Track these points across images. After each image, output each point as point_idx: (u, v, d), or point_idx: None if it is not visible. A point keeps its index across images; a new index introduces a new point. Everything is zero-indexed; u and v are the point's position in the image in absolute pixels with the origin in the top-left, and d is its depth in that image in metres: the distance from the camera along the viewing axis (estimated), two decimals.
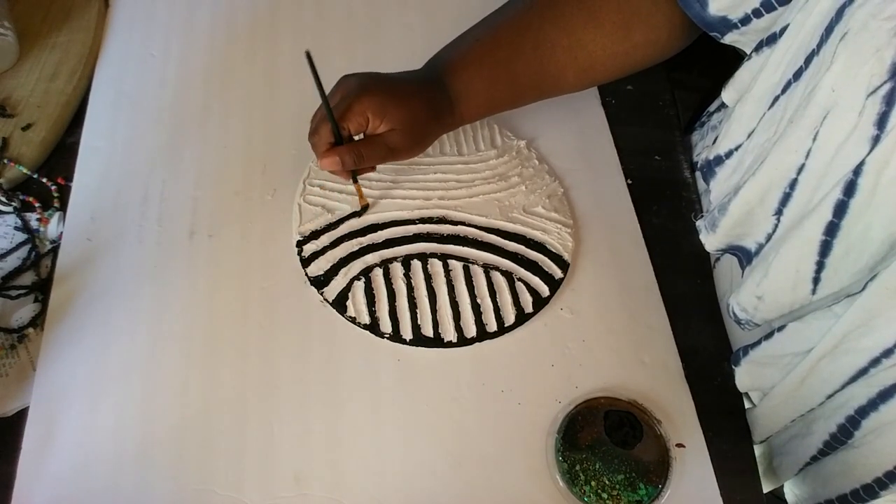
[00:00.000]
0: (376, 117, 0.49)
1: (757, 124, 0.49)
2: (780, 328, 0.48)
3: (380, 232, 0.58)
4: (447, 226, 0.58)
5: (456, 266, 0.57)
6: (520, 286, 0.56)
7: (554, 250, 0.58)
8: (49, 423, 0.48)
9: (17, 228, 0.56)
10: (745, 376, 0.53)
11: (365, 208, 0.58)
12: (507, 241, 0.58)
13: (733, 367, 0.54)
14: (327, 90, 0.49)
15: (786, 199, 0.45)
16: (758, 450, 0.55)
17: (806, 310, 0.47)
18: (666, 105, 0.71)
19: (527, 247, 0.58)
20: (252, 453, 0.49)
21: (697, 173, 0.65)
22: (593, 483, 0.47)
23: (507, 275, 0.56)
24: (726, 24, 0.50)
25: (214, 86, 0.66)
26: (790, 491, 0.54)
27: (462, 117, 0.55)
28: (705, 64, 0.55)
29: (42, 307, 0.53)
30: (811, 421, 0.49)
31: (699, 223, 0.54)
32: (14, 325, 0.51)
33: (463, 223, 0.59)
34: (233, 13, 0.72)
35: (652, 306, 0.58)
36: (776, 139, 0.45)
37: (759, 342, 0.51)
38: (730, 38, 0.51)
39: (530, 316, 0.55)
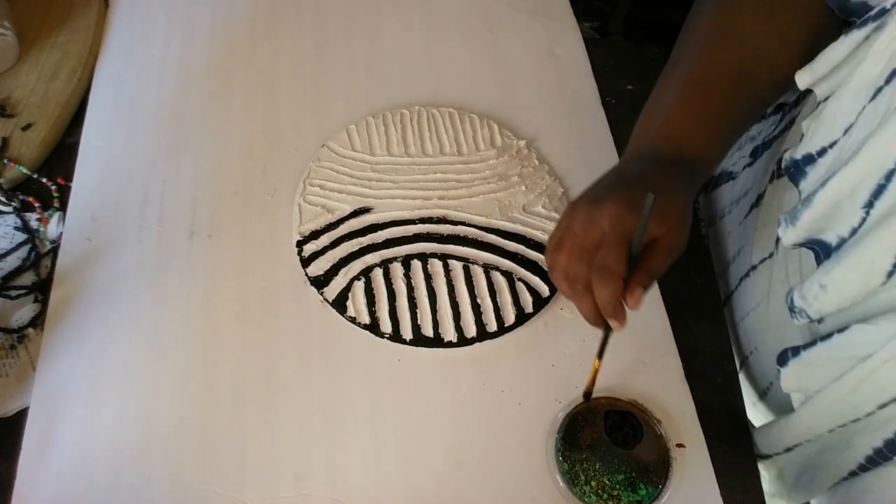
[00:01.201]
0: (658, 223, 0.43)
1: (856, 119, 0.45)
2: (841, 330, 0.44)
3: (380, 232, 0.58)
4: (447, 226, 0.58)
5: (456, 266, 0.57)
6: (520, 286, 0.56)
7: None
8: (49, 423, 0.48)
9: (17, 228, 0.56)
10: (792, 377, 0.49)
11: (588, 396, 0.51)
12: (507, 241, 0.58)
13: (779, 367, 0.49)
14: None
15: (879, 191, 0.41)
16: (778, 463, 0.52)
17: (869, 306, 0.44)
18: None
19: (527, 247, 0.58)
20: (252, 453, 0.49)
21: (781, 177, 0.60)
22: (593, 483, 0.47)
23: (507, 275, 0.56)
24: (867, 9, 0.46)
25: (214, 86, 0.66)
26: None
27: (705, 166, 0.50)
28: None
29: (42, 307, 0.53)
30: (853, 433, 0.46)
31: (780, 216, 0.50)
32: (14, 325, 0.51)
33: (463, 223, 0.59)
34: (233, 13, 0.72)
35: (652, 306, 0.58)
36: (876, 130, 0.41)
37: (814, 343, 0.46)
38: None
39: (530, 316, 0.55)
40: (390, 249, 0.57)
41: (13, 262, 0.54)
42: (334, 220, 0.58)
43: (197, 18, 0.71)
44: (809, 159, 0.49)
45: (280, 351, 0.53)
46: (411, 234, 0.58)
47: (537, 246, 0.58)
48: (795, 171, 0.50)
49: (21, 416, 0.49)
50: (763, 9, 0.51)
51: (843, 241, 0.45)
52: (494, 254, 0.57)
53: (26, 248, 0.55)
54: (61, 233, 0.56)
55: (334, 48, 0.70)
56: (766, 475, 0.54)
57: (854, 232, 0.44)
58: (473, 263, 0.57)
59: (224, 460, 0.48)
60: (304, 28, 0.71)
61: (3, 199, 0.56)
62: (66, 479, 0.47)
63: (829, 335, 0.45)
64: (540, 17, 0.74)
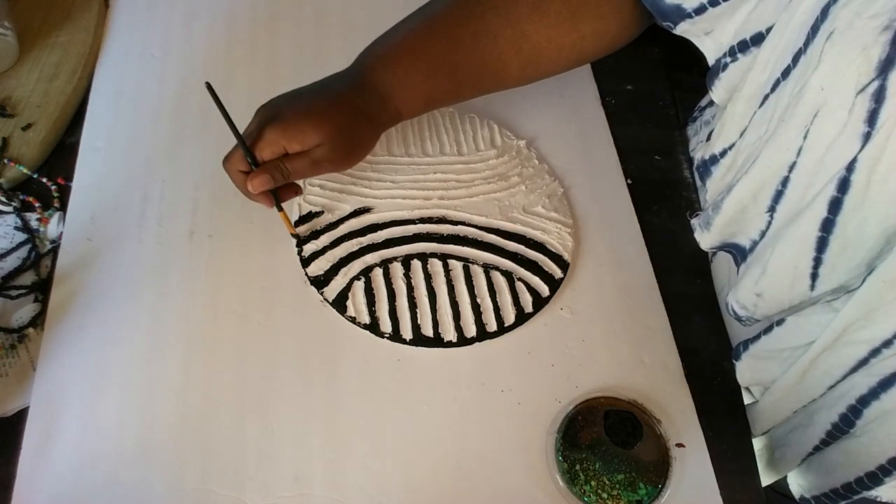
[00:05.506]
0: (293, 141, 0.48)
1: (748, 123, 0.49)
2: (780, 322, 0.48)
3: (380, 232, 0.58)
4: (447, 226, 0.58)
5: (456, 266, 0.57)
6: (520, 286, 0.56)
7: (554, 250, 0.58)
8: (49, 423, 0.48)
9: (17, 228, 0.56)
10: (745, 370, 0.54)
11: (297, 239, 0.56)
12: (507, 241, 0.58)
13: (734, 361, 0.54)
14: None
15: (778, 196, 0.45)
16: (758, 443, 0.55)
17: (805, 305, 0.47)
18: (666, 105, 0.71)
19: (527, 247, 0.58)
20: (252, 453, 0.49)
21: (695, 171, 0.65)
22: (593, 483, 0.47)
23: (507, 275, 0.56)
24: (680, 14, 0.49)
25: (214, 85, 0.66)
26: (794, 482, 0.54)
27: (399, 113, 0.52)
28: (705, 64, 0.55)
29: (42, 307, 0.53)
30: (813, 412, 0.49)
31: (694, 222, 0.55)
32: (14, 325, 0.51)
33: (463, 223, 0.59)
34: (233, 13, 0.72)
35: (652, 306, 0.58)
36: (767, 137, 0.45)
37: (758, 336, 0.51)
38: (681, 29, 0.50)
39: (530, 316, 0.55)
40: (390, 249, 0.57)
41: (13, 262, 0.54)
42: (334, 220, 0.58)
43: (197, 19, 0.71)
44: (714, 160, 0.54)
45: (280, 351, 0.53)
46: (411, 233, 0.58)
47: (537, 246, 0.58)
48: (703, 170, 0.56)
49: (21, 416, 0.49)
50: (565, 22, 0.51)
51: (755, 244, 0.50)
52: (494, 254, 0.57)
53: (26, 248, 0.55)
54: (61, 233, 0.56)
55: (334, 48, 0.70)
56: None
57: (763, 235, 0.48)
58: (473, 263, 0.57)
59: (224, 460, 0.48)
60: (305, 28, 0.71)
61: (4, 199, 0.56)
62: (66, 479, 0.47)
63: (770, 328, 0.50)
64: None
